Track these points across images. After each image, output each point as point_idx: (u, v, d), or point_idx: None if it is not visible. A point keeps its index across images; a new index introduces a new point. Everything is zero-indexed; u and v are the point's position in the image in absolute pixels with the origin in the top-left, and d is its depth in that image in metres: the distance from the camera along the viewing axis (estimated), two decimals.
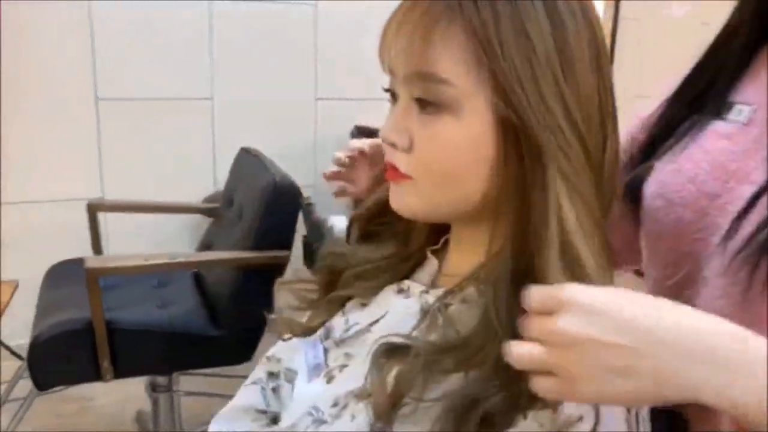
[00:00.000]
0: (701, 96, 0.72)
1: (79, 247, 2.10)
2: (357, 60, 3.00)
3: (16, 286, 1.71)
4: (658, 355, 0.42)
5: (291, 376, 0.72)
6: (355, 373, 0.63)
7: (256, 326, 1.82)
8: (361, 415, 0.59)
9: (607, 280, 0.55)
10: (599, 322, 0.44)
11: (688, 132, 0.71)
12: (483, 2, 0.53)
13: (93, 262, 1.48)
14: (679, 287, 0.68)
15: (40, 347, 1.61)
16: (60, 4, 2.41)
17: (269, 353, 0.88)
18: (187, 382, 2.08)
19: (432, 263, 0.69)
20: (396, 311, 0.65)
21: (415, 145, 0.58)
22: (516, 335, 0.49)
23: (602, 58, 0.57)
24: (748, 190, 0.62)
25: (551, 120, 0.53)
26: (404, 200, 0.61)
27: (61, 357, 1.65)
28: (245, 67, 2.82)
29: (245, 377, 0.82)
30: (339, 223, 1.60)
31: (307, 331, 0.74)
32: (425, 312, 0.62)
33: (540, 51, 0.53)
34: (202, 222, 2.84)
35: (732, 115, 0.68)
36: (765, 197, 0.59)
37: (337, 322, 0.72)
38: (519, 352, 0.46)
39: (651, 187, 0.72)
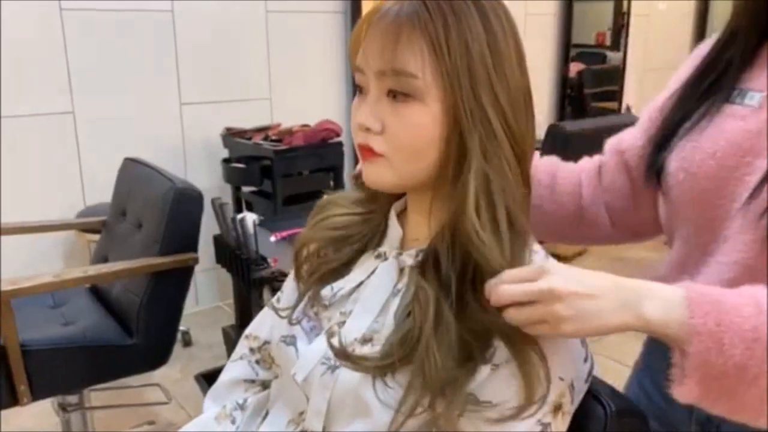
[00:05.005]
0: (714, 84, 0.83)
1: None
2: (220, 63, 3.05)
3: None
4: (607, 297, 0.63)
5: (291, 340, 0.84)
6: (356, 326, 0.77)
7: (171, 329, 1.88)
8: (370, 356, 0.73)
9: (513, 239, 0.71)
10: (575, 281, 0.63)
11: (705, 115, 0.82)
12: (436, 16, 0.69)
13: (6, 284, 1.46)
14: (704, 244, 0.81)
15: None
16: None
17: (247, 332, 0.99)
18: (96, 397, 2.07)
19: (397, 230, 0.83)
20: (378, 273, 0.80)
21: (387, 128, 0.72)
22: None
23: (523, 58, 0.75)
24: (764, 163, 0.73)
25: (479, 110, 0.70)
26: (378, 175, 0.75)
27: None
28: (103, 77, 2.77)
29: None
30: (248, 218, 1.70)
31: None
32: (401, 270, 0.77)
33: (476, 53, 0.70)
34: (70, 239, 2.77)
35: (745, 101, 0.79)
36: None
37: (322, 290, 0.85)
38: (513, 316, 0.64)
39: (673, 163, 0.83)
